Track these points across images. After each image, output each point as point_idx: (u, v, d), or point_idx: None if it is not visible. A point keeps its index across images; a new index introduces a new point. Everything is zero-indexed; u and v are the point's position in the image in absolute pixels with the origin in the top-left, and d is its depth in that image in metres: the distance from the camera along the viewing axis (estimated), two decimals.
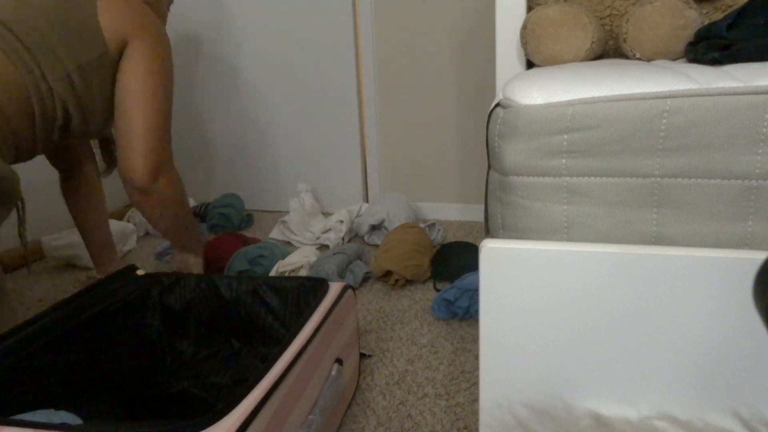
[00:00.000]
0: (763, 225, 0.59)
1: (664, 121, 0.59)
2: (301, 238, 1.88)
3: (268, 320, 1.01)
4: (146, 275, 1.03)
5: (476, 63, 1.92)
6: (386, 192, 2.12)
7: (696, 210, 0.61)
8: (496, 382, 0.68)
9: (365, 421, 0.93)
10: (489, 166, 0.73)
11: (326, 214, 2.21)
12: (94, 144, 1.47)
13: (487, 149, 0.72)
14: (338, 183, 2.20)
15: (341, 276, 1.44)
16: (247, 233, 2.01)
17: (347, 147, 2.15)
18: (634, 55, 0.95)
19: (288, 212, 2.12)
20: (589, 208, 0.64)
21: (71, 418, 0.68)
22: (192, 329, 1.04)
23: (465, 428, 0.90)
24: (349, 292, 0.97)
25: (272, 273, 1.49)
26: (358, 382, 1.03)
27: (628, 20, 0.94)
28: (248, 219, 2.14)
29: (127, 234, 1.90)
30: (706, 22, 0.91)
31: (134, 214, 2.06)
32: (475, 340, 1.18)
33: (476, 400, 0.98)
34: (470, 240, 1.79)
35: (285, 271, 1.51)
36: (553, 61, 0.94)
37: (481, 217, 2.06)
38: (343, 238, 1.85)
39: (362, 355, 1.11)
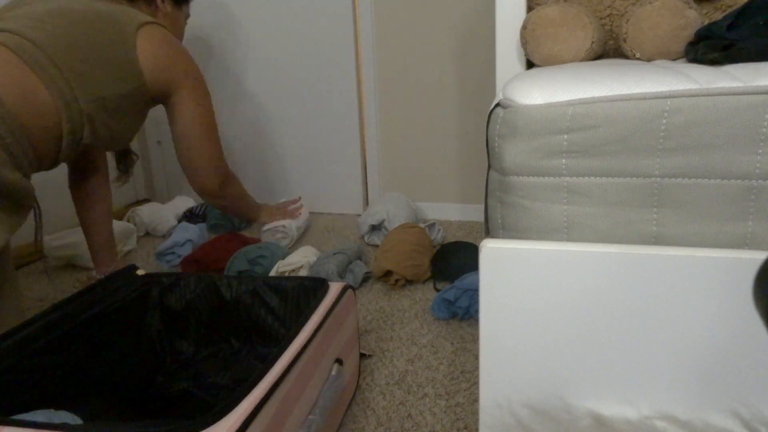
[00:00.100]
0: (763, 225, 0.59)
1: (664, 121, 0.59)
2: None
3: (268, 320, 1.01)
4: (146, 275, 1.03)
5: (476, 63, 1.92)
6: (386, 192, 2.12)
7: (696, 210, 0.61)
8: (496, 382, 0.68)
9: (365, 421, 0.93)
10: (489, 166, 0.73)
11: (326, 215, 2.21)
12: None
13: (487, 149, 0.72)
14: (338, 183, 2.20)
15: (341, 276, 1.44)
16: (247, 233, 2.01)
17: (347, 147, 2.15)
18: (634, 55, 0.95)
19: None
20: (589, 208, 0.64)
21: (71, 418, 0.68)
22: (192, 329, 1.04)
23: (465, 428, 0.90)
24: (349, 292, 0.96)
25: (272, 273, 1.49)
26: (358, 382, 1.03)
27: (628, 20, 0.94)
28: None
29: (127, 234, 1.90)
30: (706, 22, 0.91)
31: (134, 214, 2.06)
32: (475, 340, 1.18)
33: (476, 400, 0.98)
34: (470, 240, 1.79)
35: (285, 271, 1.51)
36: (553, 61, 0.94)
37: (481, 217, 2.06)
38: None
39: (362, 355, 1.11)
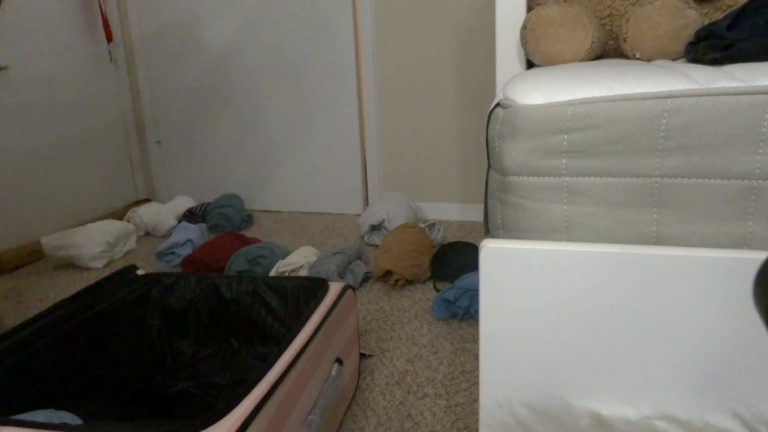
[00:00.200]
0: (763, 225, 0.59)
1: (664, 121, 0.59)
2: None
3: (268, 320, 1.01)
4: (146, 275, 1.03)
5: (476, 63, 1.92)
6: (386, 192, 2.12)
7: (696, 210, 0.61)
8: (496, 382, 0.68)
9: (365, 421, 0.93)
10: (489, 166, 0.73)
11: (326, 215, 2.21)
12: None
13: (487, 149, 0.72)
14: (338, 183, 2.20)
15: (341, 276, 1.44)
16: (247, 233, 2.01)
17: (347, 147, 2.15)
18: (634, 55, 0.95)
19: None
20: (589, 208, 0.64)
21: (71, 418, 0.68)
22: (192, 329, 1.04)
23: (465, 428, 0.90)
24: (349, 292, 0.96)
25: (272, 273, 1.49)
26: (358, 381, 1.03)
27: (628, 20, 0.94)
28: (248, 219, 2.14)
29: (127, 234, 1.90)
30: (706, 22, 0.91)
31: (134, 214, 2.06)
32: (475, 340, 1.18)
33: (476, 400, 0.98)
34: (470, 240, 1.79)
35: (285, 271, 1.51)
36: (553, 61, 0.94)
37: (481, 217, 2.06)
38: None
39: (362, 355, 1.11)
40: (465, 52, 1.92)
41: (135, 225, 2.01)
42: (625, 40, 0.95)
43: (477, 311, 1.25)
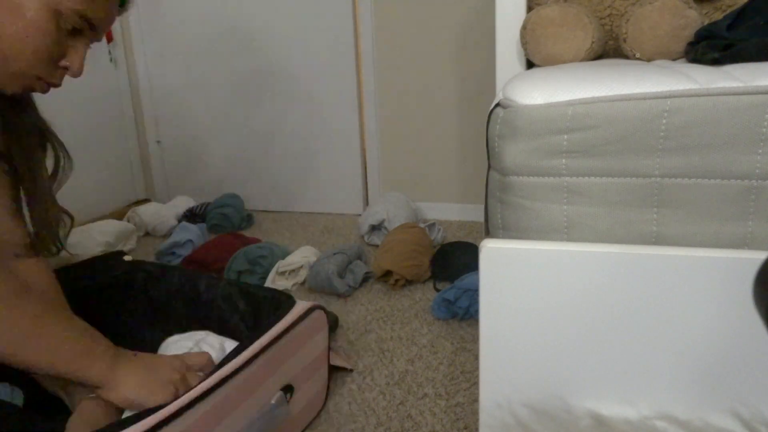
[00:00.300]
0: (763, 225, 0.59)
1: (664, 121, 0.59)
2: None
3: (240, 327, 0.97)
4: (133, 261, 1.02)
5: (476, 63, 1.92)
6: (386, 192, 2.12)
7: (696, 210, 0.61)
8: (496, 382, 0.68)
9: (365, 421, 0.93)
10: (489, 166, 0.73)
11: (326, 215, 2.21)
12: None
13: (487, 149, 0.72)
14: (338, 183, 2.20)
15: (341, 276, 1.44)
16: (247, 233, 2.01)
17: (347, 147, 2.15)
18: (634, 55, 0.95)
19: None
20: (589, 208, 0.64)
21: (8, 392, 0.67)
22: (172, 322, 1.01)
23: (465, 428, 0.90)
24: (317, 313, 0.88)
25: (272, 273, 1.49)
26: (323, 407, 0.97)
27: (628, 20, 0.94)
28: (248, 219, 2.14)
29: (127, 234, 1.90)
30: (706, 22, 0.91)
31: (134, 214, 2.06)
32: (475, 340, 1.18)
33: (476, 400, 0.98)
34: (470, 240, 1.79)
35: (285, 271, 1.51)
36: (553, 61, 0.94)
37: (481, 217, 2.06)
38: None
39: (344, 369, 1.08)
40: (465, 52, 1.92)
41: (135, 225, 2.00)
42: (625, 40, 0.95)
43: (477, 311, 1.25)
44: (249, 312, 0.96)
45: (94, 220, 2.02)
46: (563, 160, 0.63)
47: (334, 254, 1.48)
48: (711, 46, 0.71)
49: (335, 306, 1.38)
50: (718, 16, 0.99)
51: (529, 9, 1.06)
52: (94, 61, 2.26)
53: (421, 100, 2.02)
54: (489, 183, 0.74)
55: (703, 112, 0.58)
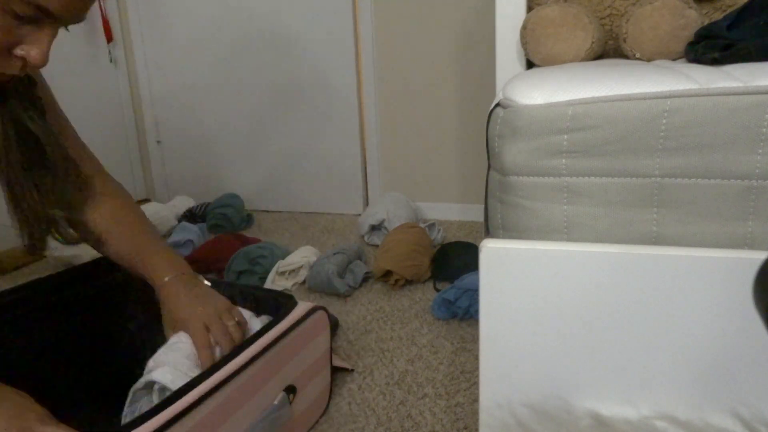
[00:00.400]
0: (763, 225, 0.59)
1: (664, 121, 0.59)
2: None
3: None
4: None
5: (476, 63, 1.92)
6: (386, 192, 2.12)
7: (696, 210, 0.61)
8: (496, 382, 0.68)
9: (365, 421, 0.93)
10: (489, 166, 0.73)
11: (326, 215, 2.21)
12: None
13: (487, 149, 0.72)
14: (338, 183, 2.20)
15: (341, 276, 1.44)
16: (247, 233, 2.01)
17: (347, 147, 2.15)
18: (634, 55, 0.95)
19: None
20: (589, 208, 0.64)
21: None
22: None
23: (465, 428, 0.90)
24: (319, 313, 0.88)
25: (272, 273, 1.49)
26: (326, 409, 0.97)
27: (628, 20, 0.94)
28: (248, 219, 2.14)
29: None
30: (706, 22, 0.91)
31: None
32: (475, 340, 1.18)
33: (476, 400, 0.98)
34: (470, 240, 1.79)
35: (285, 271, 1.51)
36: (553, 61, 0.94)
37: (481, 217, 2.06)
38: None
39: (345, 370, 1.08)
40: (465, 52, 1.92)
41: None
42: (625, 40, 0.95)
43: (477, 311, 1.25)
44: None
45: None
46: (563, 160, 0.63)
47: (334, 254, 1.48)
48: (711, 46, 0.71)
49: (335, 306, 1.38)
50: (718, 16, 0.99)
51: (529, 9, 1.06)
52: (94, 61, 2.26)
53: (421, 100, 2.02)
54: (489, 183, 0.74)
55: (703, 112, 0.58)
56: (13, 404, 0.67)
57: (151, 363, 0.76)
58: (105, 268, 0.95)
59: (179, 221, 2.06)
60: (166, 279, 0.83)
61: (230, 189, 2.35)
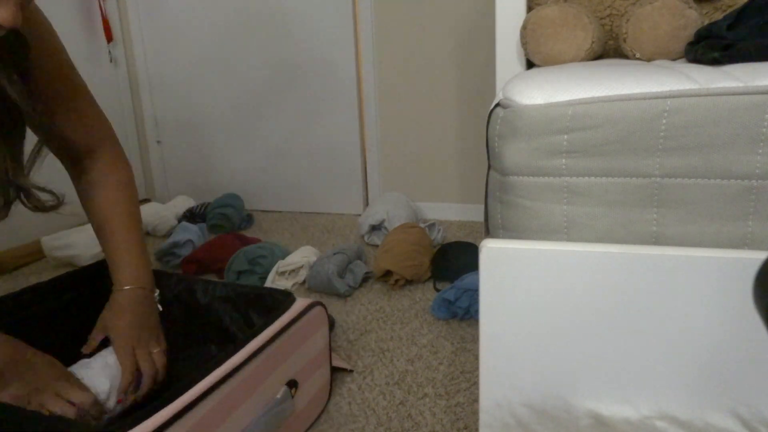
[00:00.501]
0: (763, 225, 0.59)
1: (664, 121, 0.59)
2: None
3: (243, 328, 0.97)
4: None
5: (476, 63, 1.92)
6: (386, 192, 2.12)
7: (696, 210, 0.61)
8: (496, 382, 0.68)
9: (365, 421, 0.93)
10: (489, 166, 0.73)
11: (326, 215, 2.21)
12: None
13: (487, 149, 0.72)
14: (338, 183, 2.20)
15: (341, 276, 1.44)
16: (247, 233, 2.01)
17: (347, 147, 2.15)
18: (634, 55, 0.95)
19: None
20: (589, 208, 0.64)
21: None
22: (171, 330, 1.01)
23: (465, 428, 0.90)
24: (317, 309, 0.89)
25: (272, 273, 1.49)
26: (326, 406, 0.97)
27: (628, 20, 0.94)
28: (248, 219, 2.14)
29: None
30: (706, 22, 0.91)
31: None
32: (475, 340, 1.18)
33: (476, 400, 0.98)
34: (470, 240, 1.79)
35: (285, 271, 1.51)
36: (553, 61, 0.94)
37: (481, 217, 2.06)
38: None
39: (343, 370, 1.08)
40: (465, 52, 1.92)
41: None
42: (625, 40, 0.95)
43: (477, 311, 1.25)
44: (249, 313, 0.96)
45: None
46: (563, 160, 0.63)
47: (334, 254, 1.48)
48: (711, 46, 0.71)
49: (335, 306, 1.38)
50: (718, 16, 0.99)
51: (529, 9, 1.06)
52: (94, 61, 2.26)
53: (421, 100, 2.02)
54: (489, 183, 0.74)
55: (703, 112, 0.58)
56: (35, 372, 0.72)
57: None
58: (106, 270, 0.95)
59: (179, 221, 2.06)
60: (126, 288, 0.88)
61: (230, 189, 2.35)
